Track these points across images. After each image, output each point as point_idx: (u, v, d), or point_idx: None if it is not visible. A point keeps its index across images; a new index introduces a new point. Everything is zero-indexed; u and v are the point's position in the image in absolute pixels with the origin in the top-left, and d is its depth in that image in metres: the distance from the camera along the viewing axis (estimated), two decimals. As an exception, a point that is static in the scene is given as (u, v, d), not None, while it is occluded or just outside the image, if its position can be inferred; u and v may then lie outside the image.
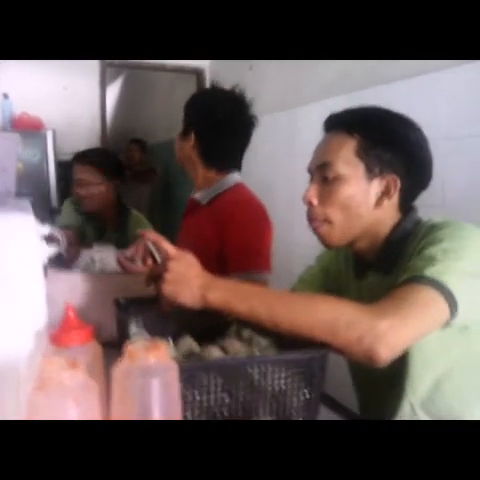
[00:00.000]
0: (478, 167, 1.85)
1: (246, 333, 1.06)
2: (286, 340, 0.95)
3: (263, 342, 1.01)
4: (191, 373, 0.80)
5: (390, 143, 1.02)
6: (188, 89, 3.89)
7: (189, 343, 1.03)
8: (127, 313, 1.07)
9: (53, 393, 0.58)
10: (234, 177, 1.61)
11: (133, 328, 1.02)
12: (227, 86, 1.61)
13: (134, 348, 0.66)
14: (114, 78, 4.64)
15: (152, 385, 0.64)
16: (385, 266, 1.06)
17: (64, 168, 3.67)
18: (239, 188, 1.59)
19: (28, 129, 3.45)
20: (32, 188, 3.11)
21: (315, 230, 1.08)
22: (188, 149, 1.59)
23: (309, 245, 1.29)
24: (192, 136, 1.57)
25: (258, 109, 2.00)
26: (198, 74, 4.36)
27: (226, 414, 0.85)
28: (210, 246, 1.49)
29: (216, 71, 4.21)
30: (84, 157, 2.21)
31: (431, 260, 0.91)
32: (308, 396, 0.89)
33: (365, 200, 1.03)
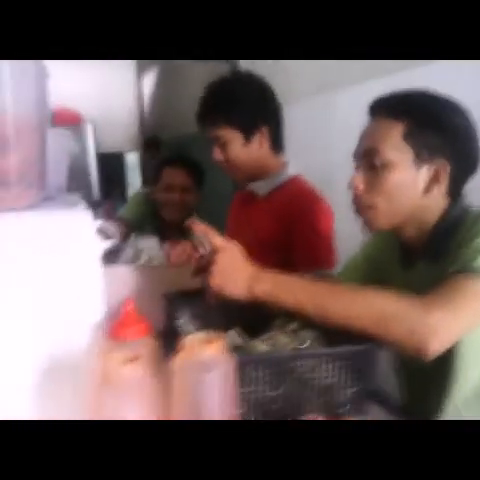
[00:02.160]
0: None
1: (292, 326, 1.06)
2: (332, 333, 0.95)
3: (309, 335, 1.02)
4: (240, 367, 0.79)
5: (438, 127, 0.99)
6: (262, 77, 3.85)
7: (236, 336, 1.04)
8: (175, 306, 1.09)
9: (116, 388, 0.60)
10: (292, 168, 1.57)
11: (182, 322, 1.03)
12: (264, 73, 1.55)
13: (191, 342, 0.67)
14: (150, 69, 4.67)
15: (210, 379, 0.65)
16: (433, 254, 1.04)
17: (103, 161, 3.73)
18: (298, 180, 1.55)
19: (68, 124, 3.49)
20: (74, 182, 3.16)
21: (360, 215, 1.06)
22: (262, 148, 1.50)
23: (351, 234, 1.27)
24: (265, 132, 1.48)
25: (293, 94, 1.97)
26: (231, 61, 4.33)
27: (274, 408, 0.86)
28: (270, 239, 1.46)
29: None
30: (178, 162, 2.16)
31: None
32: (356, 390, 0.89)
33: (414, 187, 1.01)
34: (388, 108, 1.02)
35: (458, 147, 1.00)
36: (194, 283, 1.06)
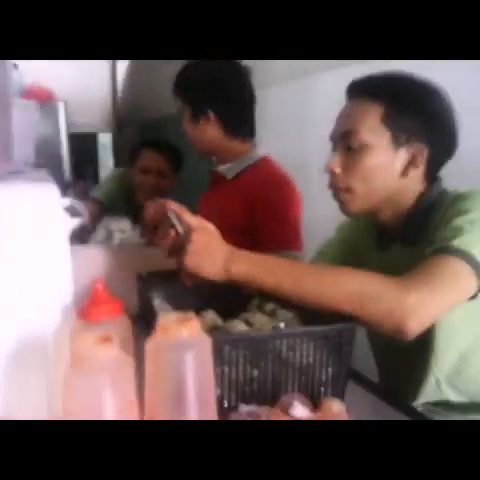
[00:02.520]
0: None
1: (269, 306, 1.05)
2: (309, 314, 0.94)
3: (287, 315, 1.00)
4: (219, 347, 0.78)
5: (417, 111, 0.99)
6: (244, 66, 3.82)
7: (212, 317, 1.02)
8: (149, 287, 1.06)
9: (89, 370, 0.57)
10: (258, 150, 1.60)
11: (157, 303, 1.00)
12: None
13: (167, 322, 0.65)
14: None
15: (187, 359, 0.63)
16: (409, 237, 1.04)
17: (76, 141, 3.65)
18: (266, 162, 1.58)
19: (39, 101, 3.40)
20: (45, 161, 3.09)
21: (336, 198, 1.05)
22: (210, 130, 1.55)
23: (326, 219, 1.27)
24: (210, 115, 1.53)
25: (268, 79, 1.95)
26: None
27: (255, 388, 0.84)
28: (237, 222, 1.47)
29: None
30: (157, 145, 2.18)
31: (458, 231, 0.89)
32: (336, 369, 0.88)
33: (391, 170, 1.00)
34: (366, 90, 1.01)
35: (436, 131, 1.00)
36: (168, 263, 1.03)
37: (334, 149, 1.05)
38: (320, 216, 1.53)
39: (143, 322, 0.94)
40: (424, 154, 1.00)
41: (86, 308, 0.72)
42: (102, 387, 0.57)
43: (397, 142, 0.99)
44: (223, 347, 0.80)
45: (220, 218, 1.41)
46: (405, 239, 1.05)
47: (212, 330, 0.98)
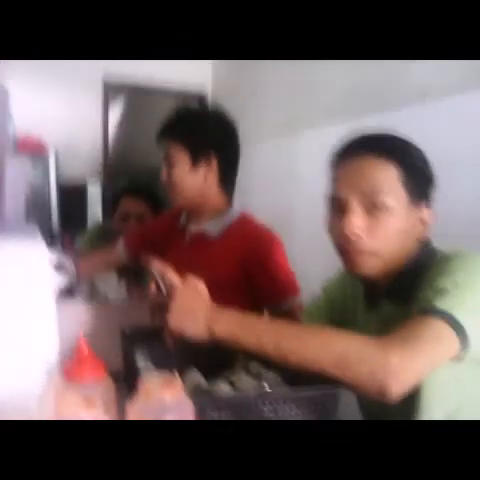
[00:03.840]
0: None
1: (254, 367, 1.04)
2: (294, 374, 0.93)
3: (272, 377, 1.00)
4: (202, 410, 0.77)
5: (424, 173, 1.00)
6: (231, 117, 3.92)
7: (196, 377, 1.02)
8: (133, 344, 1.05)
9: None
10: (236, 205, 1.57)
11: (141, 361, 0.99)
12: (229, 111, 1.57)
13: (149, 384, 0.65)
14: (116, 101, 4.68)
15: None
16: (399, 295, 1.03)
17: (65, 192, 3.67)
18: (247, 218, 1.55)
19: (32, 152, 3.41)
20: (34, 213, 3.09)
21: (353, 261, 1.01)
22: (208, 177, 1.49)
23: (306, 273, 1.28)
24: (213, 162, 1.48)
25: (260, 135, 2.00)
26: (200, 99, 4.39)
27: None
28: (230, 281, 1.44)
29: (218, 96, 4.24)
30: (135, 191, 2.15)
31: (442, 292, 0.90)
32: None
33: (411, 232, 1.00)
34: (380, 149, 0.98)
35: (432, 191, 1.02)
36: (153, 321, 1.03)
37: (344, 210, 0.99)
38: (301, 269, 1.54)
39: (127, 381, 0.93)
40: (432, 216, 1.01)
41: (70, 368, 0.71)
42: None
43: (412, 204, 0.98)
44: (206, 410, 0.79)
45: (208, 278, 1.42)
46: (394, 298, 1.04)
47: (195, 391, 0.97)
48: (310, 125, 2.54)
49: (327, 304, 1.24)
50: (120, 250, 1.68)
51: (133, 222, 2.07)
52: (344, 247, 1.00)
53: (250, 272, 1.43)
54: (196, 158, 1.47)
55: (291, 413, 0.85)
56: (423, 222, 1.00)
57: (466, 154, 1.77)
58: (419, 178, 0.99)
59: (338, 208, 1.00)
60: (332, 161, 1.05)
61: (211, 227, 1.51)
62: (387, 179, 0.97)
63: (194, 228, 1.54)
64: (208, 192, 1.50)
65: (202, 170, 1.48)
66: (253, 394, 0.93)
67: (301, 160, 2.60)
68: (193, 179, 1.48)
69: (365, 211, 0.97)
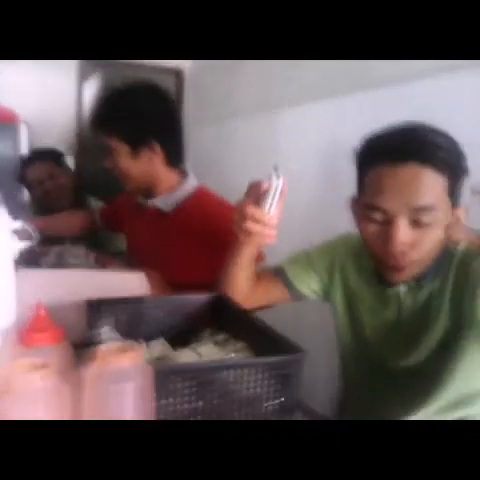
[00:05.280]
0: None
1: (221, 336, 1.04)
2: (262, 343, 0.94)
3: (238, 345, 1.00)
4: (164, 377, 0.77)
5: (464, 172, 0.97)
6: (166, 90, 3.84)
7: (162, 346, 1.01)
8: (99, 314, 1.04)
9: (22, 396, 0.55)
10: (193, 180, 1.56)
11: (104, 330, 0.99)
12: (207, 87, 1.56)
13: (106, 350, 0.64)
14: (91, 76, 4.59)
15: (125, 390, 0.61)
16: (419, 279, 1.02)
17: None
18: (204, 192, 1.55)
19: (1, 121, 3.35)
20: (2, 181, 3.03)
21: (396, 274, 0.99)
22: (153, 162, 1.48)
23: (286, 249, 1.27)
24: (155, 147, 1.47)
25: (235, 111, 1.98)
26: (177, 74, 4.32)
27: (199, 419, 0.83)
28: (190, 252, 1.45)
29: (195, 72, 4.18)
30: (33, 159, 2.34)
31: None
32: (283, 400, 0.87)
33: (449, 233, 0.97)
34: (425, 157, 0.92)
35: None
36: (118, 291, 1.03)
37: (389, 222, 0.94)
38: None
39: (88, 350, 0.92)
40: (463, 215, 0.99)
41: (26, 333, 0.70)
42: (34, 415, 0.56)
43: (452, 210, 0.96)
44: (166, 377, 0.78)
45: (167, 250, 1.42)
46: (414, 280, 1.03)
47: (161, 359, 0.97)
48: (289, 103, 2.52)
49: (320, 262, 1.21)
50: (96, 217, 1.71)
51: (47, 182, 2.23)
52: (385, 258, 0.97)
53: (208, 242, 1.43)
54: (136, 148, 1.45)
55: (253, 379, 0.84)
56: (458, 221, 0.98)
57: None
58: (460, 181, 0.95)
59: (380, 217, 0.95)
60: (366, 160, 0.99)
61: (165, 202, 1.51)
62: (436, 193, 0.92)
63: (150, 204, 1.54)
64: (156, 173, 1.50)
65: (145, 156, 1.47)
66: (213, 360, 0.93)
67: (279, 138, 2.58)
68: (137, 166, 1.47)
69: (411, 224, 0.93)
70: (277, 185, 0.95)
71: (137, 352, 0.65)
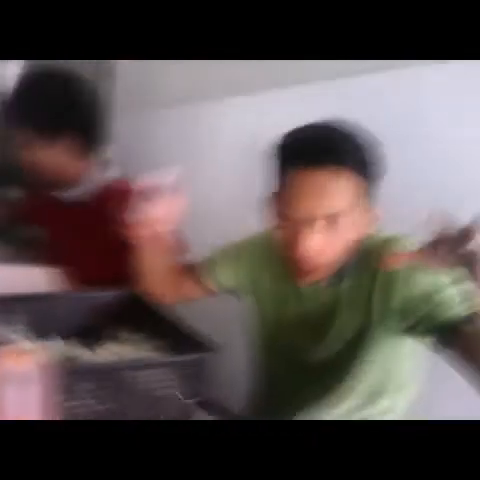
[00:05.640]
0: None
1: (136, 335, 1.04)
2: (177, 342, 0.94)
3: (153, 344, 0.99)
4: (64, 379, 0.74)
5: (377, 175, 0.96)
6: (94, 77, 3.71)
7: (62, 344, 0.99)
8: (12, 311, 1.01)
9: None
10: (114, 170, 1.52)
11: (15, 328, 0.96)
12: (133, 76, 1.49)
13: (7, 352, 0.62)
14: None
15: (23, 393, 0.60)
16: (335, 278, 1.03)
17: None
18: (125, 184, 1.44)
19: None
20: None
21: (309, 275, 0.99)
22: (68, 152, 1.41)
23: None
24: (70, 136, 1.39)
25: (161, 102, 1.93)
26: (104, 63, 4.19)
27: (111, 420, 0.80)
28: (110, 243, 1.41)
29: (126, 62, 4.07)
30: None
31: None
32: (190, 401, 0.87)
33: (359, 236, 0.98)
34: (339, 160, 0.90)
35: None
36: (31, 286, 1.00)
37: (302, 225, 0.92)
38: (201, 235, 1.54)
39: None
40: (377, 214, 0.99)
41: None
42: None
43: (364, 212, 0.95)
44: (68, 379, 0.75)
45: (86, 242, 1.38)
46: (330, 279, 1.03)
47: (61, 360, 0.93)
48: (212, 97, 2.51)
49: (238, 257, 1.21)
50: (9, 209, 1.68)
51: None
52: (297, 260, 0.96)
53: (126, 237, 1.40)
54: (50, 139, 1.38)
55: (165, 378, 0.84)
56: (371, 222, 0.98)
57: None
58: (372, 182, 0.95)
59: (293, 221, 0.93)
60: (281, 163, 0.97)
61: (83, 193, 1.46)
62: (347, 197, 0.91)
63: (67, 196, 1.48)
64: (70, 165, 1.43)
65: (59, 148, 1.39)
66: (113, 361, 0.92)
67: (202, 131, 2.57)
68: (50, 159, 1.40)
69: (322, 230, 0.92)
70: (165, 183, 0.97)
71: (39, 353, 0.64)
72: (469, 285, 0.81)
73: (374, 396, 1.06)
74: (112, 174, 1.50)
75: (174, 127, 2.75)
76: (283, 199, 0.95)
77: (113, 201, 1.41)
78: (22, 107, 1.37)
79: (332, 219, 0.91)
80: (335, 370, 1.06)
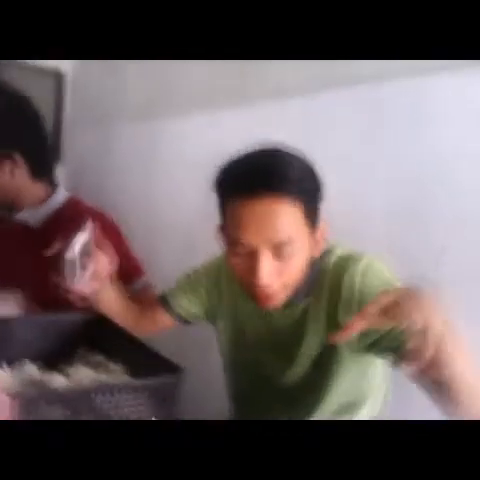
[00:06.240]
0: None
1: (95, 358, 1.01)
2: (140, 364, 0.91)
3: (113, 367, 0.96)
4: (27, 405, 0.71)
5: (320, 195, 0.96)
6: (45, 93, 3.65)
7: (29, 369, 0.95)
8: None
9: None
10: (63, 192, 1.49)
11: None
12: (88, 91, 1.48)
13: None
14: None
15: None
16: (290, 299, 1.01)
17: None
18: (74, 201, 1.48)
19: None
20: None
21: (266, 301, 0.96)
22: (16, 175, 1.38)
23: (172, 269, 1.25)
24: (17, 159, 1.37)
25: (119, 117, 1.91)
26: (56, 76, 4.11)
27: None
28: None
29: (77, 75, 4.02)
30: None
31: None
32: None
33: (310, 256, 0.97)
34: (280, 188, 0.90)
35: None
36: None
37: (251, 255, 0.92)
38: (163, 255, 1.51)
39: None
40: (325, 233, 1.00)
41: None
42: None
43: (311, 233, 0.96)
44: (31, 405, 0.72)
45: (34, 271, 1.33)
46: (291, 300, 1.02)
47: (28, 384, 0.90)
48: (170, 111, 2.50)
49: (201, 282, 1.21)
50: None
51: None
52: (252, 288, 0.95)
53: None
54: None
55: (128, 404, 0.81)
56: (320, 240, 0.98)
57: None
58: (317, 204, 0.96)
59: (243, 250, 0.93)
60: (222, 191, 0.96)
61: (33, 216, 1.42)
62: (295, 223, 0.91)
63: (16, 219, 1.44)
64: (20, 187, 1.40)
65: (6, 169, 1.37)
66: (85, 385, 0.88)
67: (161, 146, 2.55)
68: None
69: (273, 256, 0.92)
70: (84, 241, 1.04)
71: (6, 379, 0.60)
72: None
73: (349, 408, 1.06)
74: (61, 196, 1.46)
75: (131, 143, 2.72)
76: (230, 229, 0.94)
77: (62, 228, 1.38)
78: None
79: (279, 246, 0.91)
80: (304, 389, 1.05)
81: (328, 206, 0.98)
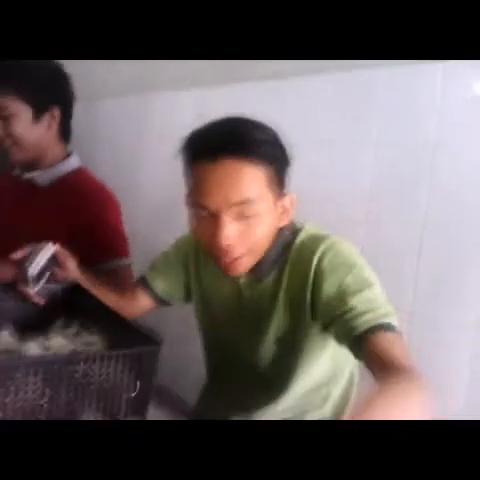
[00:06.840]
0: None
1: (73, 328, 1.01)
2: (118, 335, 0.92)
3: (91, 337, 0.97)
4: (5, 371, 0.73)
5: (285, 161, 0.97)
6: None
7: (6, 338, 0.95)
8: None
9: None
10: (76, 159, 1.51)
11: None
12: (74, 68, 1.48)
13: None
14: None
15: None
16: (259, 273, 1.03)
17: None
18: (84, 173, 1.50)
19: None
20: None
21: (231, 267, 0.97)
22: (52, 131, 1.42)
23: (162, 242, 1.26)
24: (56, 114, 1.41)
25: (106, 92, 1.89)
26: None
27: (43, 416, 0.78)
28: (57, 233, 1.36)
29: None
30: None
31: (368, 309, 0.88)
32: (137, 391, 0.86)
33: (278, 221, 0.98)
34: (242, 151, 0.91)
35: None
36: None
37: (213, 219, 0.93)
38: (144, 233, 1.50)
39: None
40: (294, 203, 1.00)
41: None
42: None
43: (277, 199, 0.96)
44: (10, 372, 0.73)
45: (36, 228, 1.34)
46: (254, 275, 1.04)
47: (5, 352, 0.91)
48: (159, 86, 2.47)
49: (181, 266, 1.21)
50: None
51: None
52: (216, 254, 0.96)
53: (75, 227, 1.38)
54: (40, 112, 1.38)
55: (106, 372, 0.82)
56: (286, 209, 0.99)
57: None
58: (282, 170, 0.97)
59: (205, 214, 0.94)
60: (188, 157, 0.97)
61: (42, 177, 1.45)
62: (256, 185, 0.92)
63: (26, 177, 1.46)
64: (49, 142, 1.44)
65: (45, 123, 1.40)
66: (62, 354, 0.89)
67: (153, 121, 2.53)
68: (35, 132, 1.40)
69: (235, 218, 0.93)
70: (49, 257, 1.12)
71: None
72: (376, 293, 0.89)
73: (321, 387, 1.07)
74: (74, 162, 1.49)
75: (117, 119, 2.71)
76: (194, 195, 0.95)
77: (72, 190, 1.41)
78: (13, 76, 1.35)
79: (241, 207, 0.92)
80: (275, 367, 1.06)
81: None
